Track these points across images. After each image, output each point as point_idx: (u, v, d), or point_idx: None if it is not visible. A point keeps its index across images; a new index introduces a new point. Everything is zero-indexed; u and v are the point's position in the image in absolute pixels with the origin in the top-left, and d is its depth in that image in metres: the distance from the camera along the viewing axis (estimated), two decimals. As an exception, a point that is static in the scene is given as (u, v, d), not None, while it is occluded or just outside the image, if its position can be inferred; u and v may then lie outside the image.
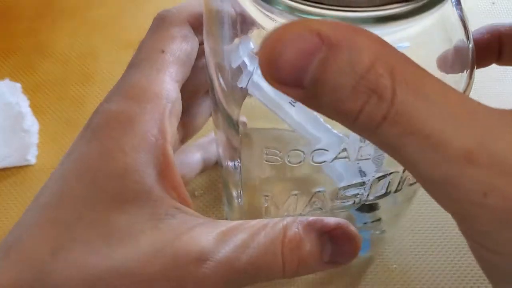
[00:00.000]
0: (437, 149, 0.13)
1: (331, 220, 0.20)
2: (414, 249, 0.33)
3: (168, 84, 0.23)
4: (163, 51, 0.23)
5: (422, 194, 0.35)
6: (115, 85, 0.23)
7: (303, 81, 0.13)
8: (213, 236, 0.19)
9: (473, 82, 0.20)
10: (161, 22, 0.24)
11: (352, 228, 0.20)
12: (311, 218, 0.20)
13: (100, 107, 0.22)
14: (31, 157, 0.37)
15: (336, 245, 0.20)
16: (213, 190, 0.36)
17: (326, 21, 0.13)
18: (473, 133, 0.13)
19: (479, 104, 0.14)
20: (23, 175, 0.36)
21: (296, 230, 0.20)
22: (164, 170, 0.21)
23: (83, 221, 0.20)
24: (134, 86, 0.22)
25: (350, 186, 0.23)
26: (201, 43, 0.25)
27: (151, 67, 0.23)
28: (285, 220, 0.20)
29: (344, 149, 0.20)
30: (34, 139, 0.37)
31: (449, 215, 0.36)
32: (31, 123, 0.38)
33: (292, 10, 0.15)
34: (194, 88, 0.26)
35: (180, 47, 0.23)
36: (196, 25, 0.24)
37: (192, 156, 0.32)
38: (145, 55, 0.23)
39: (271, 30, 0.13)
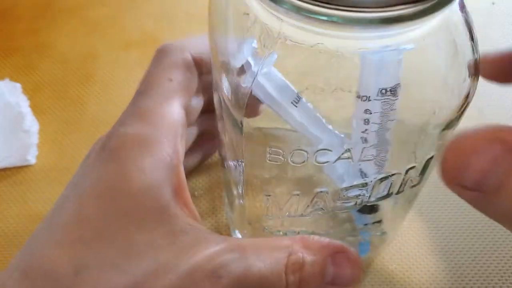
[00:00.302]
0: None
1: (334, 243, 0.22)
2: (413, 248, 0.33)
3: (178, 109, 0.25)
4: (171, 80, 0.25)
5: (423, 194, 0.35)
6: (126, 110, 0.25)
7: (485, 186, 0.15)
8: (224, 253, 0.21)
9: (476, 86, 0.20)
10: (165, 54, 0.26)
11: (354, 253, 0.22)
12: (315, 240, 0.22)
13: (114, 131, 0.23)
14: (31, 157, 0.36)
15: (338, 268, 0.21)
16: (213, 190, 0.36)
17: (507, 128, 0.14)
18: None
19: None
20: (23, 175, 0.36)
21: (300, 254, 0.21)
22: (177, 188, 0.23)
23: (103, 239, 0.21)
24: (148, 111, 0.24)
25: (352, 187, 0.23)
26: (199, 75, 0.27)
27: (161, 94, 0.24)
28: (290, 241, 0.22)
29: (348, 150, 0.20)
30: (34, 139, 0.37)
31: (449, 216, 0.37)
32: (31, 123, 0.38)
33: (298, 9, 0.15)
34: (189, 113, 0.28)
35: (186, 76, 0.25)
36: (197, 59, 0.26)
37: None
38: (153, 83, 0.25)
39: (455, 138, 0.15)
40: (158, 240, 0.21)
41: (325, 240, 0.22)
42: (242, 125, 0.20)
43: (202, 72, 0.27)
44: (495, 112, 0.40)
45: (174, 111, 0.24)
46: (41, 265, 0.20)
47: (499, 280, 0.31)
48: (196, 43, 0.26)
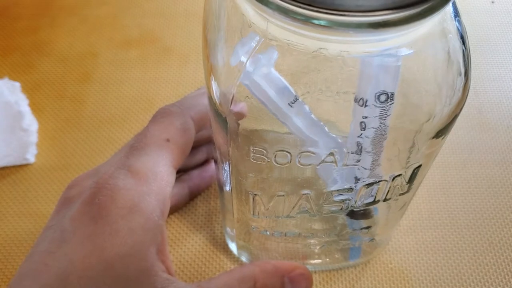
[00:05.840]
0: None
1: (287, 263, 0.25)
2: (412, 247, 0.33)
3: (170, 169, 0.25)
4: (168, 140, 0.26)
5: (421, 192, 0.35)
6: (119, 162, 0.25)
7: None
8: None
9: (467, 95, 0.20)
10: (166, 115, 0.27)
11: (306, 269, 0.24)
12: (270, 264, 0.24)
13: (105, 183, 0.23)
14: (30, 156, 0.37)
15: (294, 285, 0.24)
16: (212, 189, 0.36)
17: None
18: None
19: None
20: (22, 174, 0.36)
21: (263, 280, 0.23)
22: (160, 247, 0.23)
23: None
24: (141, 167, 0.24)
25: (338, 191, 0.23)
26: (197, 132, 0.28)
27: (157, 152, 0.25)
28: (251, 268, 0.24)
29: (331, 153, 0.20)
30: (33, 138, 0.37)
31: (448, 214, 0.36)
32: (30, 122, 0.38)
33: (284, 11, 0.15)
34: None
35: (182, 137, 0.26)
36: (195, 118, 0.27)
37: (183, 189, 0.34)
38: (151, 141, 0.26)
39: None
40: None
41: (278, 262, 0.24)
42: (227, 123, 0.20)
43: (201, 129, 0.28)
44: (494, 112, 0.39)
45: (166, 172, 0.25)
46: None
47: (497, 278, 0.31)
48: (196, 103, 0.27)
